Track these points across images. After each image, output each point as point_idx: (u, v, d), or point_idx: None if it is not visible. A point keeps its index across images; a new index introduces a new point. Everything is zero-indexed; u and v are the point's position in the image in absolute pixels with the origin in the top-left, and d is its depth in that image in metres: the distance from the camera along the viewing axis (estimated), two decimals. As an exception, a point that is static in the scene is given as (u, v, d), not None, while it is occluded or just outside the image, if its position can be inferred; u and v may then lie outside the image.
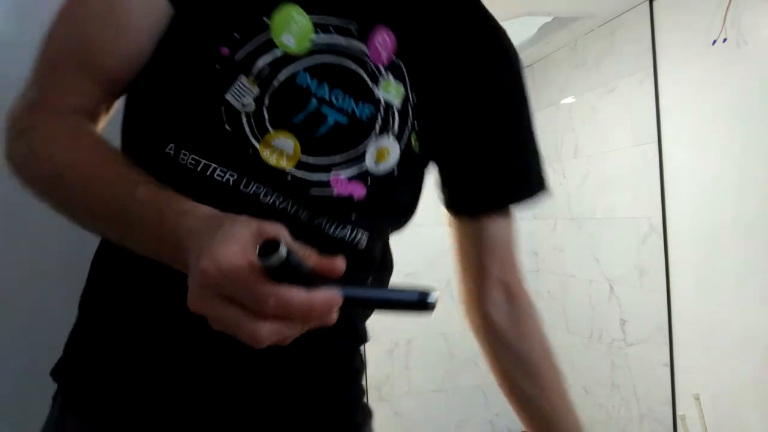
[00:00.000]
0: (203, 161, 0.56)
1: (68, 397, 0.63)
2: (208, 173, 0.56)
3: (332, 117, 0.58)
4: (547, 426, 0.74)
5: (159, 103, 0.59)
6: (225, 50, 0.55)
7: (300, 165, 0.58)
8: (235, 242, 0.38)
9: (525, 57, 2.83)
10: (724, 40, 1.78)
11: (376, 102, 0.60)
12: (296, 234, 0.42)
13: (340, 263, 0.40)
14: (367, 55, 0.59)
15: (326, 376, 0.67)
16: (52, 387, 0.65)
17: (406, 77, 0.62)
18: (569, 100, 2.68)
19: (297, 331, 0.39)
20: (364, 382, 0.74)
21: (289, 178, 0.58)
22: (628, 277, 2.34)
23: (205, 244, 0.39)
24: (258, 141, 0.56)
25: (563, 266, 2.83)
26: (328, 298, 0.39)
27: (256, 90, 0.55)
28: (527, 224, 3.02)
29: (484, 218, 0.76)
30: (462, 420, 2.94)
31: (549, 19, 2.49)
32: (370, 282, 0.68)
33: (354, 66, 0.58)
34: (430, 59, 0.65)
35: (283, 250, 0.36)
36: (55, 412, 0.64)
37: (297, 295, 0.37)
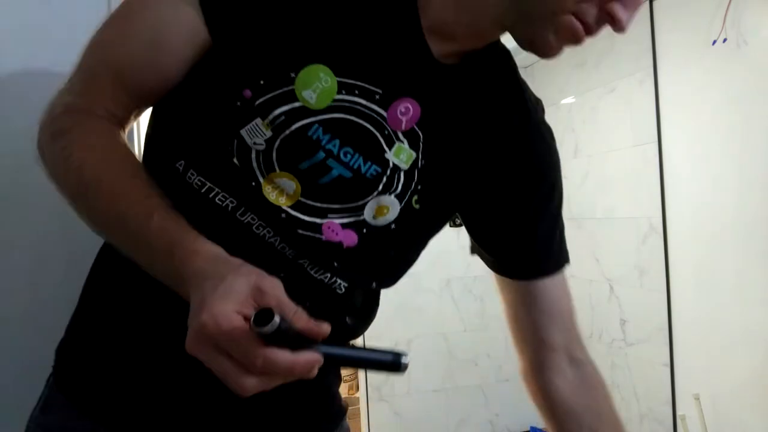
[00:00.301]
0: (208, 184, 0.59)
1: (59, 378, 0.66)
2: (210, 196, 0.59)
3: (336, 170, 0.60)
4: None
5: (179, 122, 0.62)
6: (248, 93, 0.57)
7: (297, 205, 0.60)
8: (235, 301, 0.43)
9: (525, 57, 2.81)
10: (724, 40, 1.78)
11: (384, 163, 0.62)
12: (281, 268, 0.48)
13: (325, 328, 0.45)
14: (385, 120, 0.61)
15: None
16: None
17: (421, 145, 0.63)
18: (569, 100, 2.68)
19: (278, 383, 0.45)
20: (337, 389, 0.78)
21: (284, 215, 0.60)
22: (628, 277, 2.34)
23: (207, 296, 0.44)
24: (263, 177, 0.59)
25: (563, 266, 2.83)
26: (310, 360, 0.44)
27: (269, 133, 0.58)
28: (527, 224, 3.02)
29: (539, 283, 0.74)
30: (462, 420, 2.94)
31: (549, 19, 2.49)
32: (350, 322, 0.71)
33: (370, 127, 0.60)
34: (454, 130, 0.66)
35: (276, 320, 0.41)
36: (45, 391, 0.68)
37: (283, 357, 0.43)
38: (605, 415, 0.74)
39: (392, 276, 0.71)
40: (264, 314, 0.42)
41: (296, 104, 0.57)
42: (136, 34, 0.60)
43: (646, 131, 2.18)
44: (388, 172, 0.62)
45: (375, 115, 0.60)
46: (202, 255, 0.49)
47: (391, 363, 0.47)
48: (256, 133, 0.58)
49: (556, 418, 0.76)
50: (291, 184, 0.59)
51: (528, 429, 3.01)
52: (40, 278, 0.90)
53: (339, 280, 0.64)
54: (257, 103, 0.57)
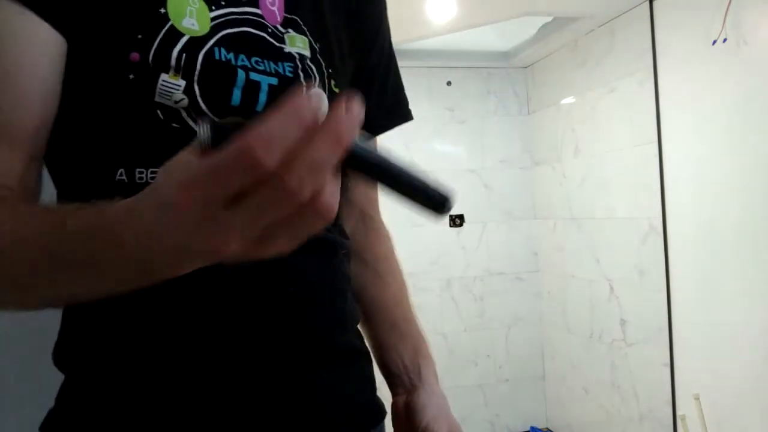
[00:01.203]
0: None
1: None
2: None
3: (264, 81, 0.57)
4: (381, 317, 0.78)
5: (90, 134, 0.55)
6: (135, 55, 0.52)
7: None
8: (172, 168, 0.33)
9: (525, 57, 2.84)
10: (724, 40, 1.78)
11: (290, 57, 0.60)
12: None
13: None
14: (263, 17, 0.60)
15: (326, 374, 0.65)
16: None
17: (304, 28, 0.63)
18: (569, 100, 2.68)
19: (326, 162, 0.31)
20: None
21: None
22: (628, 278, 2.34)
23: (152, 198, 0.34)
24: None
25: (563, 266, 2.83)
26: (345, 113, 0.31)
27: (181, 81, 0.53)
28: (527, 224, 3.02)
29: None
30: (462, 420, 2.92)
31: (549, 19, 2.49)
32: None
33: (255, 31, 0.59)
34: (316, 9, 0.67)
35: (205, 126, 0.31)
36: None
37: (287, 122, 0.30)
38: (384, 255, 0.82)
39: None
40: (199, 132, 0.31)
41: (185, 37, 0.54)
42: None
43: (646, 131, 2.18)
44: (300, 64, 0.61)
45: (253, 17, 0.59)
46: (127, 205, 0.37)
47: (439, 198, 0.35)
48: (171, 90, 0.53)
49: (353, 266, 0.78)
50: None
51: (528, 429, 3.01)
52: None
53: None
54: (150, 58, 0.52)
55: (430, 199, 0.35)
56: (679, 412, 2.06)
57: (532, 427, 3.01)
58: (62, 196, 0.59)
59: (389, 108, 0.80)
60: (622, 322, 2.40)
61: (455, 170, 2.96)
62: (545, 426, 3.04)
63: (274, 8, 0.61)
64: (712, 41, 1.82)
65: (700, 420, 1.87)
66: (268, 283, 0.58)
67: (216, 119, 0.31)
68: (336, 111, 0.30)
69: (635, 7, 2.18)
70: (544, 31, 2.59)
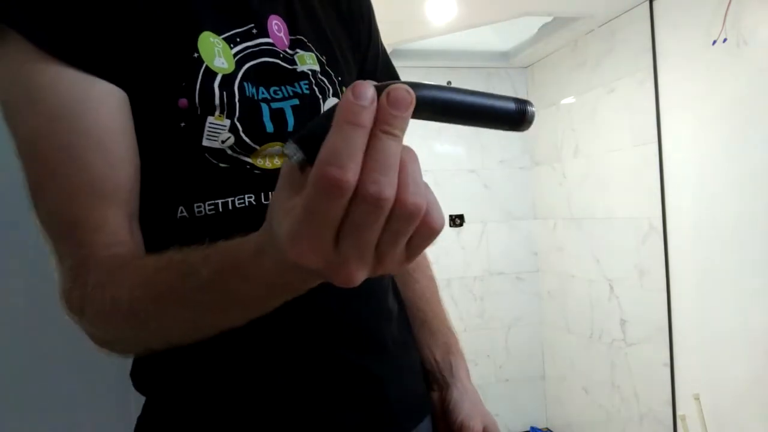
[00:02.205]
0: (219, 201, 0.58)
1: None
2: (230, 208, 0.59)
3: (287, 105, 0.61)
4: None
5: (149, 177, 0.58)
6: (183, 101, 0.55)
7: None
8: (279, 199, 0.35)
9: (525, 57, 2.84)
10: (724, 40, 1.78)
11: (304, 75, 0.64)
12: None
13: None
14: (274, 45, 0.63)
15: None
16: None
17: (309, 44, 0.67)
18: (569, 100, 2.68)
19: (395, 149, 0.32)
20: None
21: None
22: (628, 277, 2.34)
23: (272, 252, 0.37)
24: (250, 158, 0.59)
25: (563, 266, 2.83)
26: (399, 97, 0.31)
27: (226, 121, 0.57)
28: (527, 224, 3.02)
29: None
30: (462, 420, 2.94)
31: (549, 19, 2.49)
32: None
33: (272, 59, 0.63)
34: (316, 25, 0.71)
35: (291, 145, 0.32)
36: None
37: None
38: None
39: None
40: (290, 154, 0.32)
41: (219, 76, 0.57)
42: (70, 155, 0.52)
43: (646, 131, 2.18)
44: (313, 79, 0.64)
45: (266, 47, 0.62)
46: (254, 240, 0.41)
47: (516, 112, 0.34)
48: (218, 131, 0.57)
49: None
50: (275, 147, 0.60)
51: (528, 429, 3.01)
52: (40, 278, 0.90)
53: None
54: (197, 101, 0.55)
55: (507, 119, 0.34)
56: (679, 412, 2.06)
57: (532, 427, 3.01)
58: None
59: None
60: (622, 322, 2.40)
61: (455, 170, 2.96)
62: (545, 426, 3.04)
63: (281, 34, 0.65)
64: (712, 41, 1.82)
65: (700, 420, 1.87)
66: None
67: (296, 136, 0.32)
68: (380, 101, 0.31)
69: (635, 7, 2.18)
70: (544, 31, 2.59)
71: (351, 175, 0.30)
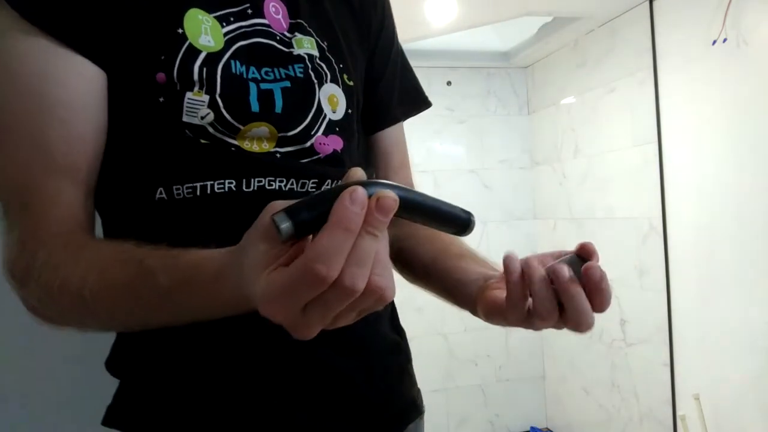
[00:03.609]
0: (198, 184, 0.57)
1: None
2: (208, 192, 0.57)
3: (277, 87, 0.60)
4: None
5: (127, 156, 0.58)
6: (161, 76, 0.55)
7: (281, 141, 0.60)
8: (254, 275, 0.38)
9: (525, 57, 2.84)
10: (724, 40, 1.78)
11: (300, 59, 0.63)
12: None
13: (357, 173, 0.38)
14: (270, 26, 0.62)
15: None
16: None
17: (310, 29, 0.66)
18: (569, 100, 2.68)
19: (373, 245, 0.36)
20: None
21: (278, 155, 0.60)
22: (628, 277, 2.34)
23: (244, 278, 0.39)
24: (234, 139, 0.58)
25: (563, 266, 2.83)
26: (387, 195, 0.35)
27: (205, 97, 0.56)
28: (527, 224, 3.02)
29: (379, 134, 0.79)
30: (462, 420, 2.94)
31: (549, 19, 2.49)
32: None
33: (266, 40, 0.61)
34: (320, 11, 0.70)
35: (282, 216, 0.35)
36: None
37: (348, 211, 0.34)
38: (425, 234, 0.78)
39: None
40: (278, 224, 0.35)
41: (202, 54, 0.56)
42: (24, 130, 0.53)
43: (646, 131, 2.18)
44: (309, 64, 0.63)
45: (261, 28, 0.61)
46: (215, 265, 0.44)
47: (464, 219, 0.43)
48: (197, 107, 0.56)
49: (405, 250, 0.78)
50: (262, 128, 0.59)
51: (528, 429, 3.01)
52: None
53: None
54: (175, 76, 0.55)
55: (459, 222, 0.43)
56: (679, 412, 2.06)
57: (532, 427, 3.01)
58: (107, 219, 0.62)
59: (409, 94, 0.81)
60: (622, 322, 2.40)
61: (455, 170, 2.96)
62: (545, 426, 3.04)
63: (279, 17, 0.64)
64: (712, 41, 1.82)
65: (700, 420, 1.88)
66: None
67: (289, 210, 0.36)
68: (369, 205, 0.35)
69: (635, 7, 2.18)
70: (544, 31, 2.59)
71: (335, 272, 0.34)
